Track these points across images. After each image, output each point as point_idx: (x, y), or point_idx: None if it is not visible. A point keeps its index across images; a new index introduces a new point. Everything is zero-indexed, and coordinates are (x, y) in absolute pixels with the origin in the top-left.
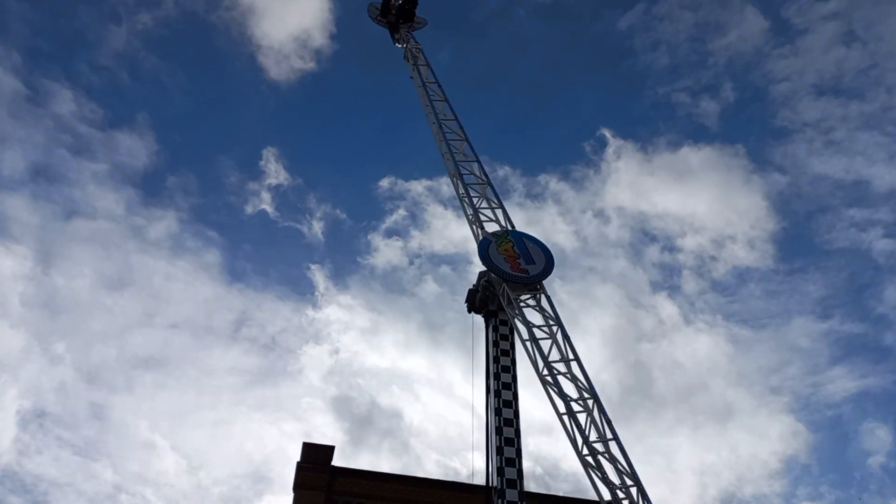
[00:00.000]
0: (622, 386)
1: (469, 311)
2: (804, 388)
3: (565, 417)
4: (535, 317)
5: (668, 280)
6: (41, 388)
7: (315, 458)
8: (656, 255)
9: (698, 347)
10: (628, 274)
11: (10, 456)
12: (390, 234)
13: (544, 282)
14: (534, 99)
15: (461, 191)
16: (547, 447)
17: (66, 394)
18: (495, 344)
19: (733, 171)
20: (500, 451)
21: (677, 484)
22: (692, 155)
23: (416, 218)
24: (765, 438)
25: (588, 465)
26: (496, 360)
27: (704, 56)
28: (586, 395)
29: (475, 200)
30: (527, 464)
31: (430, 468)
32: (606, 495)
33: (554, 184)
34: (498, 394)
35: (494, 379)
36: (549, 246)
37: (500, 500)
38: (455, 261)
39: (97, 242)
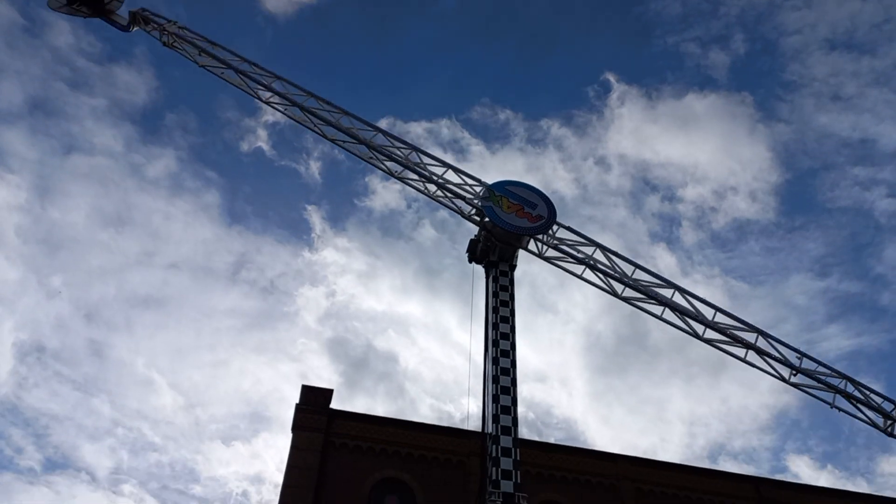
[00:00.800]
0: (617, 336)
1: (470, 262)
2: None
3: (667, 314)
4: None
5: (667, 231)
6: (39, 323)
7: (314, 400)
8: (656, 205)
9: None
10: (628, 223)
11: (7, 388)
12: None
13: None
14: (540, 43)
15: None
16: (540, 394)
17: (66, 330)
18: (495, 294)
19: (738, 121)
20: (496, 399)
21: (668, 433)
22: (697, 102)
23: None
24: (756, 391)
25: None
26: (495, 310)
27: (716, 5)
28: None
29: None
30: (520, 409)
31: (424, 412)
32: None
33: (556, 129)
34: (496, 343)
35: (493, 329)
36: (548, 194)
37: (494, 446)
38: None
39: (96, 179)
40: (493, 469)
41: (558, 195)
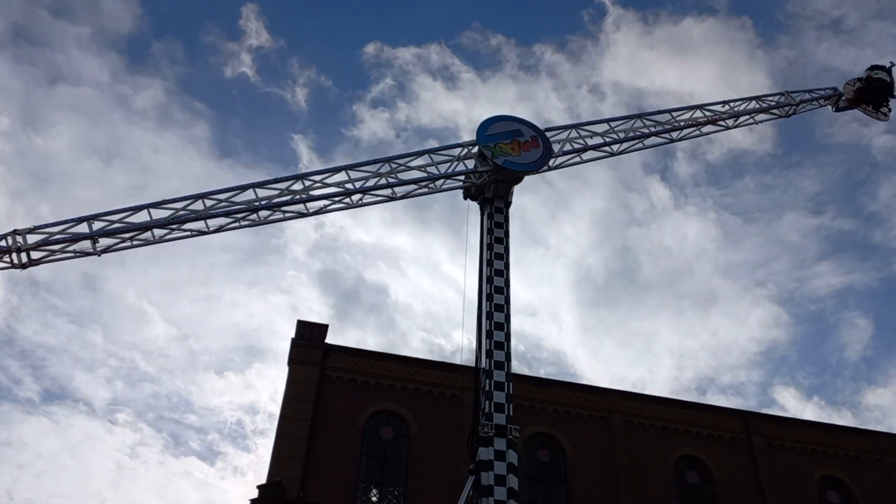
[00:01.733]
0: (608, 270)
1: (465, 198)
2: (789, 283)
3: None
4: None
5: (661, 162)
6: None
7: (309, 335)
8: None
9: (688, 232)
10: (621, 155)
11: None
12: (376, 104)
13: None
14: None
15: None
16: (530, 328)
17: (58, 263)
18: (489, 231)
19: (737, 47)
20: (489, 335)
21: (656, 366)
22: (695, 27)
23: (403, 88)
24: (745, 325)
25: None
26: (490, 247)
27: None
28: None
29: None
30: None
31: (415, 345)
32: None
33: (549, 55)
34: (490, 280)
35: (487, 266)
36: (542, 124)
37: (487, 381)
38: (443, 135)
39: (82, 111)
40: (486, 402)
41: (550, 124)
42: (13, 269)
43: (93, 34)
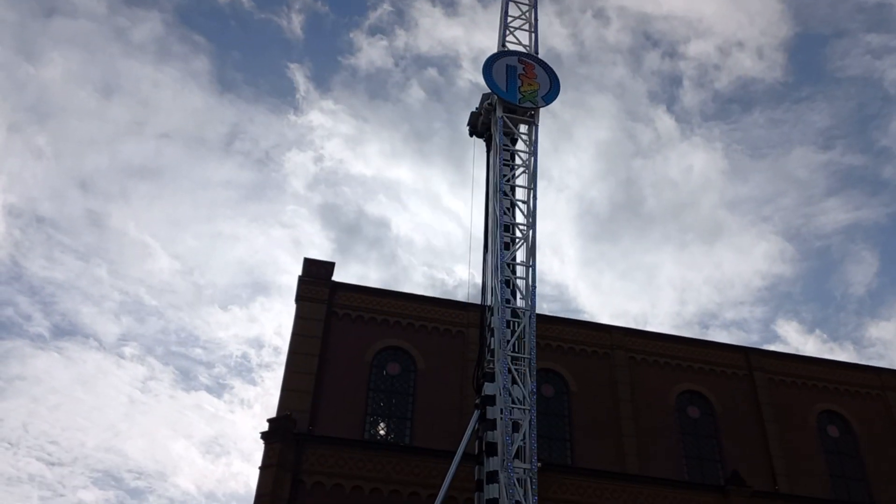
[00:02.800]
0: (612, 203)
1: (470, 135)
2: (796, 219)
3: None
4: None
5: (667, 91)
6: (28, 186)
7: (316, 272)
8: (657, 62)
9: (694, 163)
10: (626, 83)
11: (3, 251)
12: (374, 31)
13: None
14: None
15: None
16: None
17: (62, 199)
18: (495, 168)
19: None
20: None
21: (658, 300)
22: None
23: (402, 14)
24: (750, 258)
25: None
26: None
27: None
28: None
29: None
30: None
31: (417, 279)
32: None
33: None
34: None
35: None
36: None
37: (493, 317)
38: (443, 63)
39: (80, 44)
40: (492, 339)
41: (553, 52)
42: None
43: None
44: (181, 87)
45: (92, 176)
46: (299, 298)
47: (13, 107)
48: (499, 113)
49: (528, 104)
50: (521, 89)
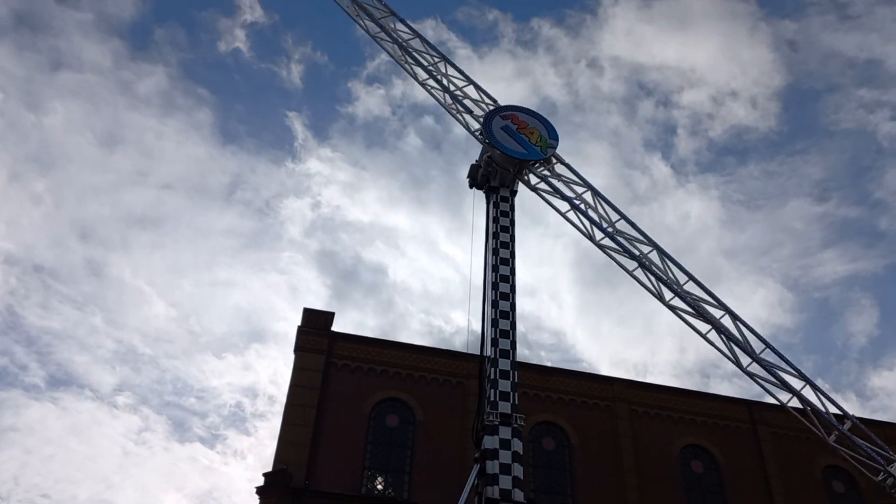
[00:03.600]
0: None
1: (471, 187)
2: (794, 270)
3: (638, 272)
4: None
5: (661, 139)
6: (25, 232)
7: (315, 322)
8: (651, 111)
9: (690, 210)
10: (621, 131)
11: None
12: (371, 81)
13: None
14: None
15: (446, 101)
16: (530, 308)
17: (62, 248)
18: (495, 220)
19: (739, 19)
20: (495, 324)
21: (657, 347)
22: (694, 0)
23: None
24: (749, 305)
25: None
26: (495, 235)
27: None
28: (646, 249)
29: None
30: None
31: (414, 326)
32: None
33: (547, 29)
34: (496, 269)
35: (493, 254)
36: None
37: (493, 369)
38: (439, 111)
39: (85, 96)
40: (492, 391)
41: (549, 101)
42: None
43: (95, 20)
44: (184, 138)
45: (93, 225)
46: (298, 349)
47: (14, 157)
48: (534, 181)
49: (549, 150)
50: (533, 141)
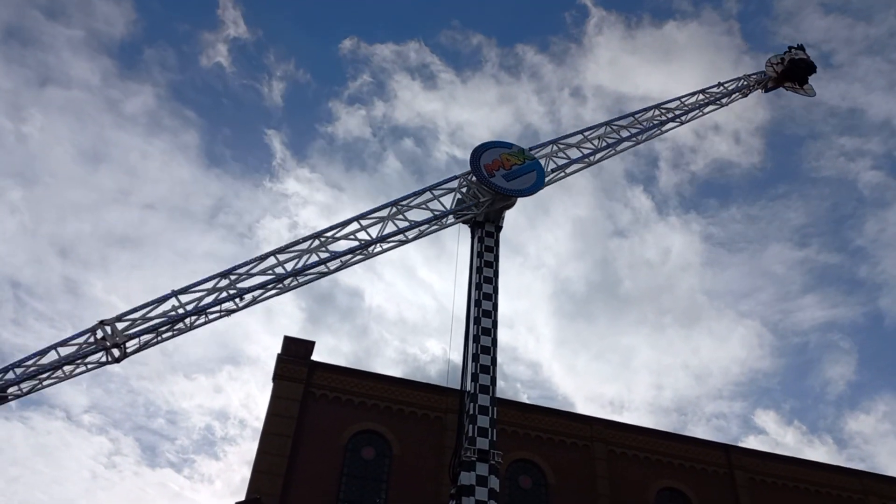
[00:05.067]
0: (588, 282)
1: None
2: (774, 315)
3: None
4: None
5: (644, 172)
6: (11, 258)
7: (295, 351)
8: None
9: (671, 245)
10: (604, 163)
11: None
12: (353, 101)
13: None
14: None
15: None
16: (506, 339)
17: (40, 266)
18: (479, 255)
19: (723, 52)
20: (475, 358)
21: (633, 383)
22: (678, 31)
23: (381, 86)
24: (727, 345)
25: None
26: (479, 270)
27: None
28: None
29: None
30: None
31: (389, 354)
32: None
33: (531, 56)
34: (478, 303)
35: (476, 289)
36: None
37: (472, 404)
38: (420, 135)
39: (72, 113)
40: (470, 426)
41: (532, 129)
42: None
43: (85, 37)
44: (169, 158)
45: (72, 243)
46: (277, 377)
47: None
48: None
49: (533, 190)
50: (518, 163)
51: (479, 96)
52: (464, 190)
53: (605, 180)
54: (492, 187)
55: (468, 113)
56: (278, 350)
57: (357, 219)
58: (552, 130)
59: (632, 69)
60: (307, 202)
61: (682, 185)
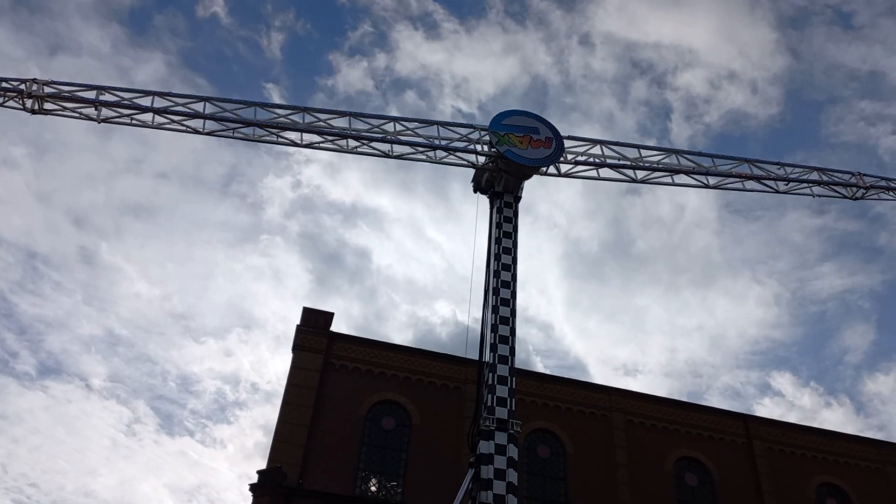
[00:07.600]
0: (600, 242)
1: (475, 191)
2: (791, 283)
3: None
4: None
5: (656, 123)
6: (27, 228)
7: (314, 322)
8: (643, 92)
9: (685, 202)
10: (615, 115)
11: None
12: (353, 52)
13: None
14: None
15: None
16: (517, 301)
17: (56, 236)
18: (498, 225)
19: None
20: (494, 329)
21: (647, 346)
22: None
23: (383, 36)
24: (743, 305)
25: None
26: (498, 241)
27: None
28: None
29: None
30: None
31: (399, 317)
32: None
33: (538, 1)
34: (497, 274)
35: (495, 259)
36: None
37: (491, 374)
38: (423, 88)
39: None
40: (489, 396)
41: (539, 80)
42: (22, 112)
43: (95, 4)
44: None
45: (87, 212)
46: (296, 347)
47: (11, 140)
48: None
49: (546, 162)
50: (520, 148)
51: (485, 46)
52: (478, 147)
53: (616, 134)
54: (525, 163)
55: (473, 64)
56: (287, 313)
57: (351, 115)
58: (560, 82)
59: (642, 15)
60: (310, 160)
61: (695, 138)
